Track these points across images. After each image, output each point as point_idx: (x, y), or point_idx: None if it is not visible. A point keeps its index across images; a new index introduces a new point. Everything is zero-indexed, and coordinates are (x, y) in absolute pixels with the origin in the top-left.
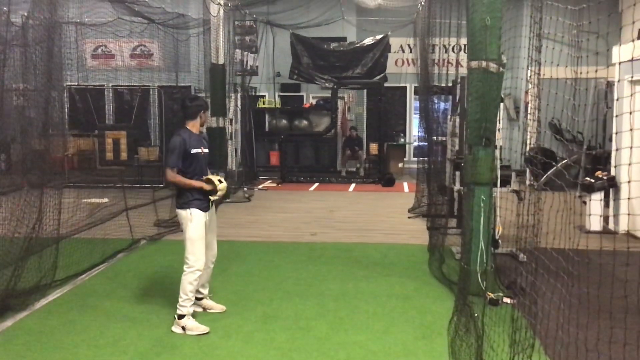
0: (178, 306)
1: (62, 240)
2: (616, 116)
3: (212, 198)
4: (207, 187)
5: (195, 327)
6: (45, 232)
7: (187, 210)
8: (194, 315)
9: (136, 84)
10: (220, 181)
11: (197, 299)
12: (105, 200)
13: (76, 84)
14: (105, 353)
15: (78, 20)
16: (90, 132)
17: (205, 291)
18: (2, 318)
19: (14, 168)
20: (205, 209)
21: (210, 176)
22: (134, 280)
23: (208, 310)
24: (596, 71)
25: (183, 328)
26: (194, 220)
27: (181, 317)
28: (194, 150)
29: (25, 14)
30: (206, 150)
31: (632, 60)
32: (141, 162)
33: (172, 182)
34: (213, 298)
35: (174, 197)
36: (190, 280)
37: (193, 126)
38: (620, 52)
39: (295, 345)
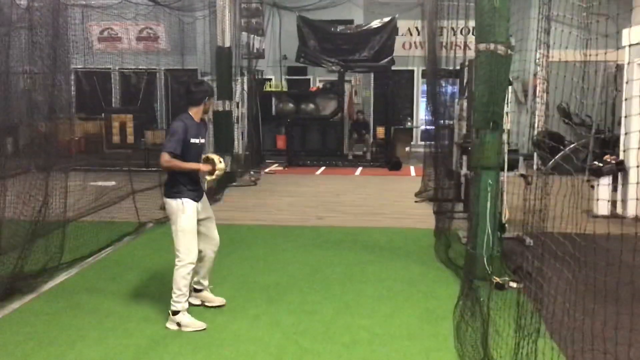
0: (172, 302)
1: (69, 223)
2: (625, 99)
3: (208, 178)
4: (204, 168)
5: (190, 323)
6: (52, 215)
7: (179, 200)
8: (189, 310)
9: (142, 67)
10: (220, 161)
11: (197, 290)
12: (113, 183)
13: (83, 67)
14: (112, 335)
15: (84, 2)
16: (97, 116)
17: (206, 282)
18: (9, 300)
19: (21, 151)
20: (197, 198)
21: (209, 154)
22: (140, 263)
23: (207, 304)
24: (605, 54)
25: (178, 324)
26: (186, 211)
27: (176, 313)
28: (192, 140)
29: None
30: (203, 140)
31: None
32: (148, 145)
33: (166, 167)
34: (218, 283)
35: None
36: (183, 274)
37: (196, 113)
38: (631, 35)
39: (301, 329)
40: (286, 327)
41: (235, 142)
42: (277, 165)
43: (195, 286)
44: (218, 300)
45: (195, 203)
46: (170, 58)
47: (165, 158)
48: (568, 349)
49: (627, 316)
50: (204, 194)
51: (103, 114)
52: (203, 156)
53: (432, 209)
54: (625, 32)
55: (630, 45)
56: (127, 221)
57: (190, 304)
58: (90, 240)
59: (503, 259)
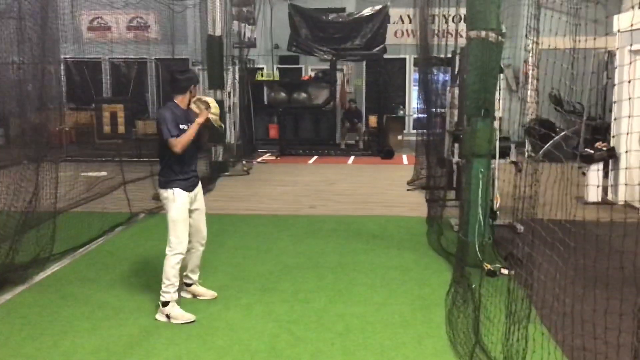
0: (161, 293)
1: (60, 214)
2: (614, 85)
3: (212, 117)
4: (202, 119)
5: (180, 315)
6: (43, 206)
7: (170, 190)
8: (179, 302)
9: (133, 57)
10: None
11: (187, 284)
12: (104, 173)
13: (72, 56)
14: (104, 326)
15: None
16: (87, 106)
17: (195, 277)
18: (1, 291)
19: (12, 142)
20: (189, 188)
21: (197, 98)
22: (132, 254)
23: (198, 298)
24: (595, 39)
25: (167, 316)
26: (177, 201)
27: (165, 304)
28: (181, 126)
29: None
30: None
31: (631, 29)
32: (139, 135)
33: (181, 148)
34: (211, 273)
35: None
36: (172, 264)
37: (182, 101)
38: (620, 21)
39: (294, 317)
40: (279, 316)
41: (227, 132)
42: (269, 154)
43: (185, 280)
44: (209, 294)
45: (187, 193)
46: (161, 47)
47: (174, 142)
48: (558, 334)
49: (617, 301)
50: (199, 184)
51: (94, 104)
52: (192, 104)
53: (425, 197)
54: (615, 17)
55: (619, 31)
56: (118, 212)
57: (182, 298)
58: (81, 231)
59: (494, 246)
